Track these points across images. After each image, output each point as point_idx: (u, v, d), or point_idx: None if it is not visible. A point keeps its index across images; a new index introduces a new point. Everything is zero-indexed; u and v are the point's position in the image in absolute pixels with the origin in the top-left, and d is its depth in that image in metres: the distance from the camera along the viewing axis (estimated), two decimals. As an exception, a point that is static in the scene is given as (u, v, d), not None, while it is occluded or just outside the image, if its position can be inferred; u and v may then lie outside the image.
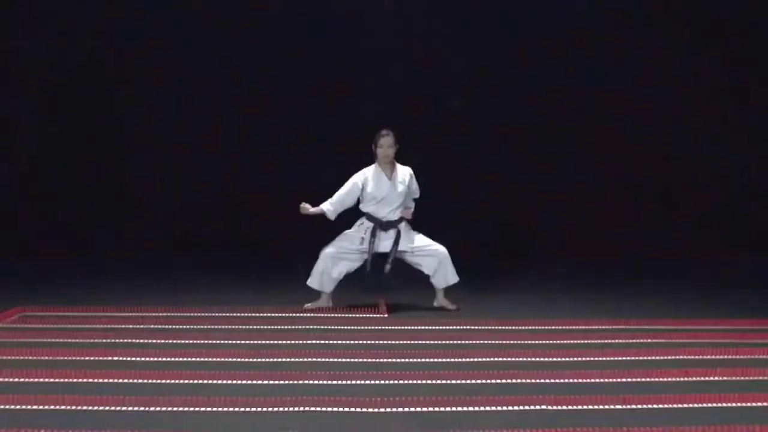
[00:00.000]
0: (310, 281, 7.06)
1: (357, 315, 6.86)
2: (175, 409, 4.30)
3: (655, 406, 4.44)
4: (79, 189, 10.62)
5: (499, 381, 4.88)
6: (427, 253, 7.01)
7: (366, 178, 7.03)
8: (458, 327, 6.37)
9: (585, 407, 4.40)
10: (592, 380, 4.91)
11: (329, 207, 7.01)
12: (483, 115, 10.72)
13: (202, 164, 10.65)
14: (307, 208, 6.96)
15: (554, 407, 4.39)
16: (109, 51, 10.62)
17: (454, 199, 10.31)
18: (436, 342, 5.87)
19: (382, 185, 7.01)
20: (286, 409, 4.32)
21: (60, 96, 10.62)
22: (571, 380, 4.91)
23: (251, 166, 10.69)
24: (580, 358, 5.42)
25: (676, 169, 10.82)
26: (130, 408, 4.29)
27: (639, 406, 4.43)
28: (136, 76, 10.61)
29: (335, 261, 7.00)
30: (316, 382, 4.81)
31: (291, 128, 10.72)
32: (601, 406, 4.41)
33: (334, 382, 4.82)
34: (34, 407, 4.29)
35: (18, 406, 4.30)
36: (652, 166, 10.79)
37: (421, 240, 7.06)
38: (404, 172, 7.11)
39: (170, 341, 5.78)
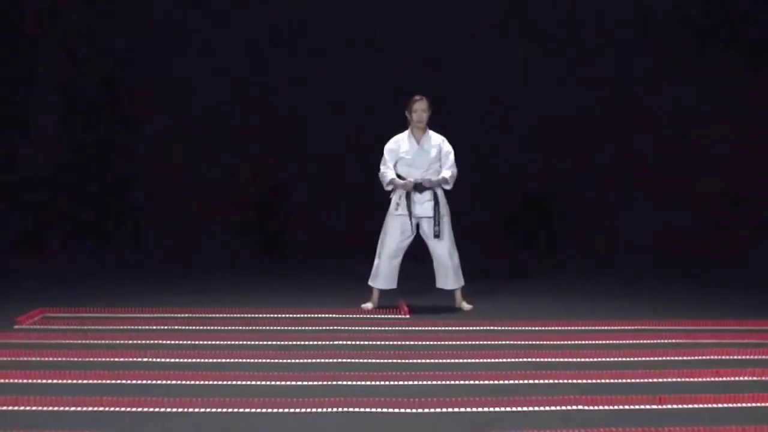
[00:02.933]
0: (379, 284, 7.05)
1: (379, 316, 6.85)
2: (204, 410, 4.29)
3: (691, 405, 4.45)
4: (96, 188, 10.61)
5: (532, 381, 4.90)
6: (439, 257, 7.04)
7: (398, 142, 7.02)
8: (485, 328, 6.36)
9: (622, 407, 4.42)
10: (627, 380, 4.93)
11: (393, 174, 6.99)
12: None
13: (217, 160, 10.61)
14: (400, 183, 6.92)
15: (591, 407, 4.40)
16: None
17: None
18: (464, 343, 5.86)
19: (410, 149, 6.98)
20: (324, 410, 4.32)
21: (78, 96, 10.60)
22: (606, 380, 4.92)
23: (269, 162, 10.67)
24: (612, 359, 5.44)
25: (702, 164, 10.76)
26: (158, 409, 4.28)
27: (676, 406, 4.44)
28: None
29: (396, 254, 7.02)
30: (351, 383, 4.81)
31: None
32: (637, 406, 4.43)
33: (370, 383, 4.82)
34: (60, 409, 4.28)
35: (43, 408, 4.28)
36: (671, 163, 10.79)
37: (448, 239, 7.03)
38: (436, 139, 7.05)
39: (195, 342, 5.77)
